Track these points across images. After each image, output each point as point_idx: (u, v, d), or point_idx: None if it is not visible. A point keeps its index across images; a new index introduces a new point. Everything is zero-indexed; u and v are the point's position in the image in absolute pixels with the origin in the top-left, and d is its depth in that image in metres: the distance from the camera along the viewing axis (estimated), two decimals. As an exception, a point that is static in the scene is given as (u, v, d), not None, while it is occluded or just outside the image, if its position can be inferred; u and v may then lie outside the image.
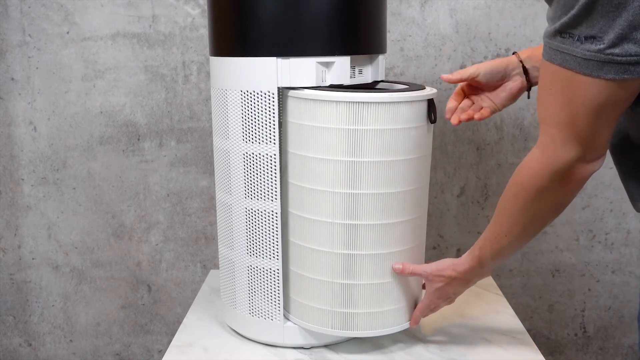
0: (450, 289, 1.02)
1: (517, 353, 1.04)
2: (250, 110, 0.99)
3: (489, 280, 1.34)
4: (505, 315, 1.18)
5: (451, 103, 1.08)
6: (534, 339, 1.08)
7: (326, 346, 1.07)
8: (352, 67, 1.01)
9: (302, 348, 1.07)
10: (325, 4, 0.95)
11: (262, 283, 1.04)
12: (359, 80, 1.03)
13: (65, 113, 1.60)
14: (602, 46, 0.72)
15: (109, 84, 1.59)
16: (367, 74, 1.05)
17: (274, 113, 0.97)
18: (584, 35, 0.73)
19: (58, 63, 1.58)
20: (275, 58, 0.96)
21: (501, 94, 1.06)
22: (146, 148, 1.62)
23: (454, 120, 1.05)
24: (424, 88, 1.01)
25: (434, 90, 1.01)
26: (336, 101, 0.93)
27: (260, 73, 0.97)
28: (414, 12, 1.55)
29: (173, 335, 1.51)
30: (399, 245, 1.00)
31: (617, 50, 0.71)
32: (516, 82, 1.05)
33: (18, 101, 1.60)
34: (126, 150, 1.62)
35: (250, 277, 1.05)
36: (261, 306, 1.05)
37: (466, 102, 1.09)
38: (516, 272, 1.69)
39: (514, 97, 1.07)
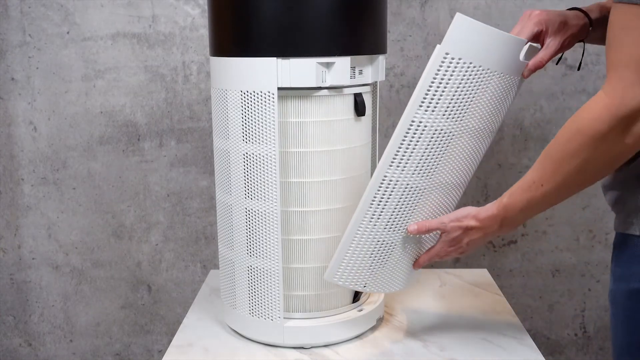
0: (465, 237, 0.97)
1: (517, 353, 1.04)
2: (250, 110, 0.99)
3: (489, 280, 1.34)
4: (505, 315, 1.18)
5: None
6: (534, 339, 1.08)
7: (326, 346, 1.07)
8: (352, 67, 1.01)
9: (302, 348, 1.07)
10: (326, 4, 0.95)
11: (262, 283, 1.04)
12: (359, 80, 1.03)
13: (65, 113, 1.60)
14: None
15: (109, 84, 1.59)
16: (368, 75, 1.05)
17: (274, 113, 0.97)
18: None
19: (58, 63, 1.58)
20: (275, 58, 0.96)
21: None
22: (146, 148, 1.62)
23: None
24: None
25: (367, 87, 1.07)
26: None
27: (260, 73, 0.97)
28: (414, 12, 1.55)
29: (173, 335, 1.51)
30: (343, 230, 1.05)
31: None
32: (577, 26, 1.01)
33: (18, 101, 1.60)
34: (126, 150, 1.62)
35: (250, 277, 1.05)
36: (261, 306, 1.05)
37: None
38: (516, 272, 1.69)
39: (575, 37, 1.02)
